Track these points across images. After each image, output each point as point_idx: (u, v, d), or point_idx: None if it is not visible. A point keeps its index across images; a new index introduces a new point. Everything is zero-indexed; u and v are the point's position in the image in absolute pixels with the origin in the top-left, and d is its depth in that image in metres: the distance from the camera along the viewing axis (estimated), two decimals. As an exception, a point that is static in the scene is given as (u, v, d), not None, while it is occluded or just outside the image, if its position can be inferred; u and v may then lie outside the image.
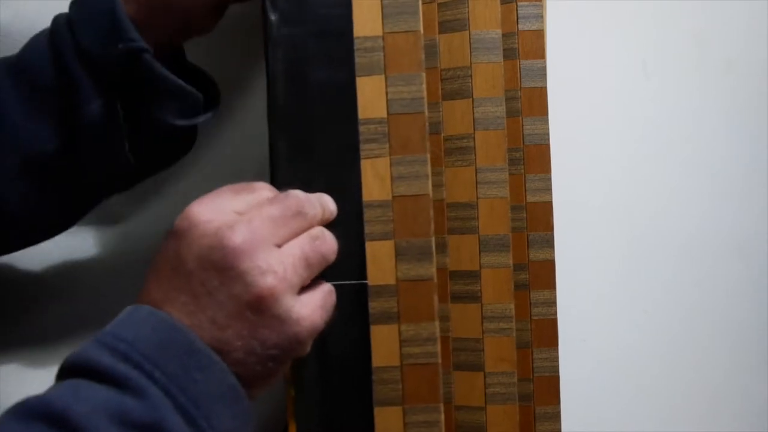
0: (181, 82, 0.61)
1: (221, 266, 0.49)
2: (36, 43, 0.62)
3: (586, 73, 1.01)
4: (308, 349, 0.54)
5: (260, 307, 0.50)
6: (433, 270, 0.60)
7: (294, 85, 0.60)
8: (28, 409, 0.44)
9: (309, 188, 0.58)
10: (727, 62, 1.02)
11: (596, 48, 1.01)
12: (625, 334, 1.04)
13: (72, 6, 0.62)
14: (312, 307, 0.53)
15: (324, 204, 0.57)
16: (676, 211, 1.03)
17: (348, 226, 0.59)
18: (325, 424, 0.59)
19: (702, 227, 1.04)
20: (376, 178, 0.60)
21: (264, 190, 0.56)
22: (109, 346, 0.47)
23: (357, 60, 0.60)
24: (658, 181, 1.02)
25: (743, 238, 1.04)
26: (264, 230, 0.51)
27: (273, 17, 0.60)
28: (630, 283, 1.04)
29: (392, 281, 0.60)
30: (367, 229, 0.60)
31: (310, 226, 0.55)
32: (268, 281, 0.49)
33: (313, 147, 0.60)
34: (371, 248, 0.60)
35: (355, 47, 0.60)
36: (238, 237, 0.49)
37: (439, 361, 0.60)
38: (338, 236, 0.57)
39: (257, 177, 0.60)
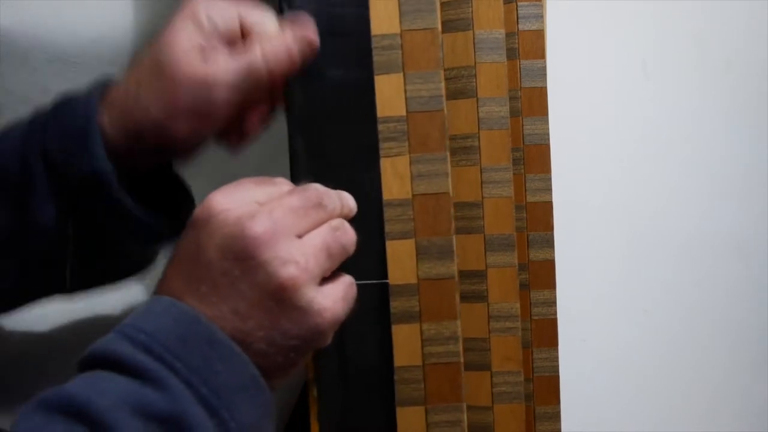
0: (139, 210, 0.59)
1: (242, 256, 0.49)
2: (13, 129, 0.61)
3: (586, 73, 1.01)
4: (329, 340, 0.53)
5: (282, 297, 0.49)
6: (455, 268, 0.60)
7: (312, 85, 0.60)
8: (49, 402, 0.43)
9: (328, 187, 0.57)
10: (727, 62, 1.03)
11: (596, 48, 1.01)
12: (625, 334, 1.04)
13: (53, 107, 0.60)
14: (334, 299, 0.52)
15: (343, 199, 0.57)
16: (676, 211, 1.03)
17: (368, 225, 0.59)
18: (347, 424, 0.58)
19: (702, 227, 1.04)
20: (395, 177, 0.60)
21: (284, 182, 0.56)
22: (130, 337, 0.47)
23: (375, 58, 0.60)
24: (658, 181, 1.03)
25: (743, 238, 1.05)
26: (285, 220, 0.51)
27: (288, 17, 0.60)
28: (630, 282, 1.04)
29: (413, 280, 0.60)
30: (388, 228, 0.60)
31: (329, 218, 0.54)
32: (289, 271, 0.49)
33: (332, 146, 0.60)
34: (392, 247, 0.60)
35: (373, 45, 0.60)
36: (259, 227, 0.49)
37: (462, 360, 0.60)
38: (358, 236, 0.56)
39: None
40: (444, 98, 0.61)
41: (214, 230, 0.50)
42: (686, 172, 1.03)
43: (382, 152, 0.60)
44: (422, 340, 0.60)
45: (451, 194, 0.60)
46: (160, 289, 0.52)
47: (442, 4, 0.69)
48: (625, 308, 1.04)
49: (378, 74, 0.60)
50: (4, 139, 0.60)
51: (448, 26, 0.69)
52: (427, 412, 0.60)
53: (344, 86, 0.60)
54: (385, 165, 0.60)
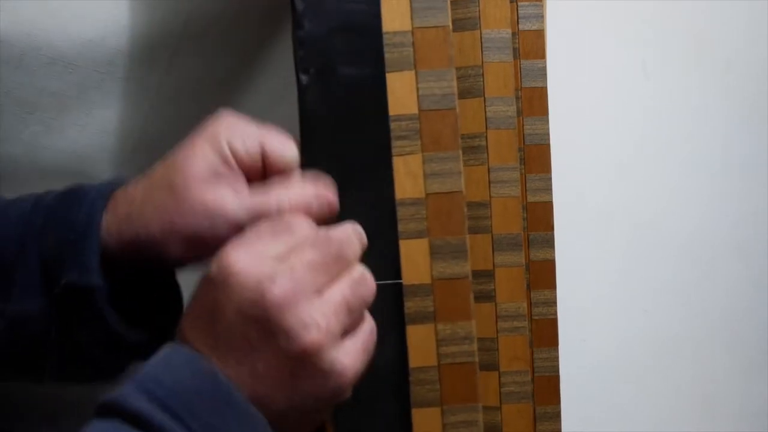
0: (120, 326, 0.57)
1: (263, 320, 0.47)
2: (12, 207, 0.59)
3: (586, 73, 1.01)
4: (350, 393, 0.52)
5: (303, 361, 0.48)
6: (468, 268, 0.60)
7: (323, 82, 0.59)
8: None
9: (340, 186, 0.57)
10: (727, 62, 1.03)
11: (596, 48, 1.01)
12: (625, 334, 1.04)
13: (59, 199, 0.59)
14: (354, 355, 0.51)
15: (360, 235, 0.55)
16: (676, 211, 1.04)
17: (381, 224, 0.58)
18: (362, 426, 0.58)
19: (701, 227, 1.05)
20: (408, 176, 0.59)
21: (303, 227, 0.53)
22: (148, 391, 0.46)
23: (386, 56, 0.60)
24: (658, 181, 1.03)
25: (742, 238, 1.05)
26: (306, 279, 0.49)
27: (300, 13, 0.59)
28: (630, 282, 1.04)
29: (427, 280, 0.59)
30: (401, 227, 0.59)
31: (350, 267, 0.52)
32: (312, 336, 0.47)
33: (344, 144, 0.59)
34: (405, 247, 0.59)
35: (384, 43, 0.60)
36: (280, 290, 0.47)
37: (477, 360, 0.60)
38: (372, 235, 0.56)
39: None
40: (456, 96, 0.60)
41: (232, 292, 0.48)
42: (686, 172, 1.04)
43: (394, 151, 0.59)
44: (437, 341, 0.59)
45: (464, 193, 0.60)
46: (179, 333, 0.50)
47: (449, 3, 0.69)
48: (625, 308, 1.04)
49: (389, 72, 0.59)
50: (1, 217, 0.59)
51: (455, 25, 0.68)
52: (443, 412, 0.59)
53: (355, 84, 0.59)
54: (398, 164, 0.59)
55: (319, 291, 0.50)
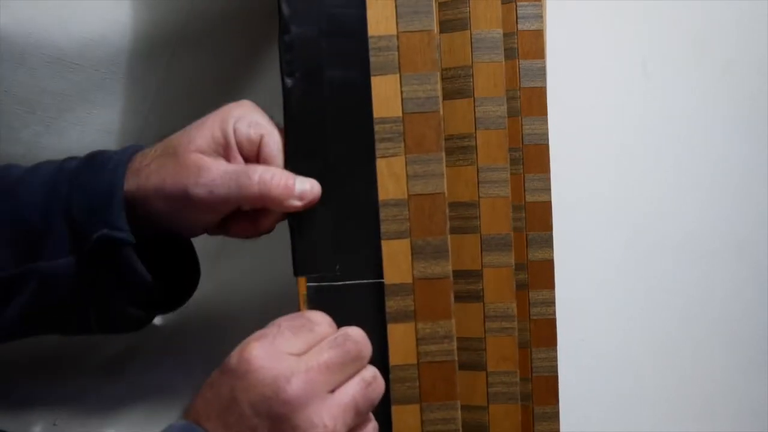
0: (147, 277, 0.60)
1: (275, 416, 0.50)
2: (33, 175, 0.62)
3: (586, 73, 1.01)
4: None
5: None
6: (449, 268, 0.60)
7: (308, 85, 0.59)
8: None
9: (324, 187, 0.58)
10: (727, 62, 1.03)
11: (596, 48, 1.01)
12: (624, 334, 1.04)
13: (82, 164, 0.61)
14: None
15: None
16: (675, 211, 1.04)
17: (364, 224, 0.59)
18: (342, 423, 0.58)
19: (701, 227, 1.05)
20: (391, 177, 0.60)
21: (323, 324, 0.55)
22: None
23: (371, 59, 0.60)
24: (657, 181, 1.03)
25: (741, 238, 1.05)
26: (320, 380, 0.51)
27: (287, 17, 0.60)
28: (629, 282, 1.04)
29: (408, 280, 0.60)
30: (383, 227, 0.60)
31: (363, 367, 0.54)
32: None
33: (328, 146, 0.59)
34: (387, 247, 0.60)
35: (370, 46, 0.60)
36: (294, 389, 0.50)
37: (456, 358, 0.60)
38: (354, 235, 0.57)
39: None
40: (440, 99, 0.60)
41: (250, 386, 0.51)
42: (685, 171, 1.03)
43: (378, 152, 0.60)
44: (417, 339, 0.60)
45: (446, 195, 0.60)
46: (191, 415, 0.53)
47: (439, 4, 0.69)
48: (624, 308, 1.04)
49: (374, 75, 0.60)
50: (23, 184, 0.61)
51: (445, 26, 0.69)
52: (422, 410, 0.60)
53: (340, 87, 0.60)
54: (381, 165, 0.60)
55: (331, 390, 0.52)
